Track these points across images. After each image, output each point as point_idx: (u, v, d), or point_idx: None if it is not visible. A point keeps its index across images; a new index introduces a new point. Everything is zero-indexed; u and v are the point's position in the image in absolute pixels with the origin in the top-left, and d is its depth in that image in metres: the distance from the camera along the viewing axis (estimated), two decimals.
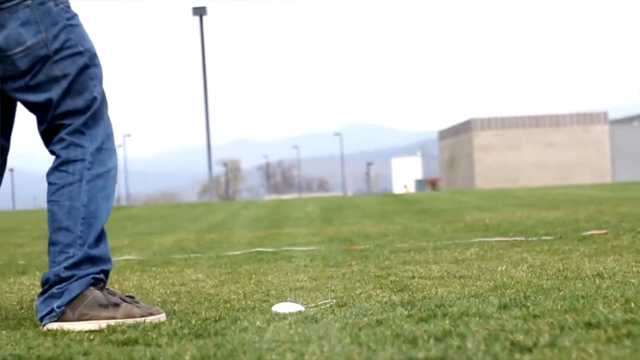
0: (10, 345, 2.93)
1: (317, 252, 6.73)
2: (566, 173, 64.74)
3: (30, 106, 3.40)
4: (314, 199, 30.02)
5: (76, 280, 3.30)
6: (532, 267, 4.68)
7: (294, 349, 2.53)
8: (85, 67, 3.38)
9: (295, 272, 5.18)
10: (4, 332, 3.22)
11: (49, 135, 3.43)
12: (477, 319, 2.90)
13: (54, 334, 3.13)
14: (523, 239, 6.93)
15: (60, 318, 3.27)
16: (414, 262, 5.41)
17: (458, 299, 3.50)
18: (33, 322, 3.44)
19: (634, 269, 4.32)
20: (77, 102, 3.37)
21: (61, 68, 3.33)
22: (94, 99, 3.41)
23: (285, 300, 3.72)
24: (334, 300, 3.67)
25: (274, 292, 4.16)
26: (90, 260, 3.33)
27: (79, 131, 3.38)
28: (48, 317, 3.28)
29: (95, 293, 3.31)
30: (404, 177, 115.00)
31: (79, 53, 3.37)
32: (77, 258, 3.31)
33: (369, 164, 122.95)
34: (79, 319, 3.25)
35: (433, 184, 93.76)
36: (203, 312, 3.50)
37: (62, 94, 3.35)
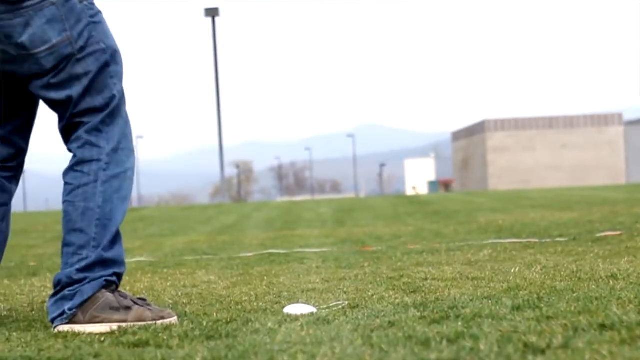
0: (21, 347, 2.93)
1: (330, 254, 6.72)
2: (580, 174, 64.57)
3: (52, 103, 3.38)
4: (327, 201, 30.01)
5: (88, 282, 3.29)
6: (546, 268, 4.66)
7: (305, 350, 2.52)
8: (106, 65, 3.36)
9: (307, 273, 5.17)
10: (14, 333, 3.22)
11: (67, 133, 3.41)
12: (490, 320, 2.89)
13: (64, 335, 3.13)
14: (537, 240, 6.90)
15: (72, 320, 3.26)
16: (427, 263, 5.40)
17: (471, 300, 3.49)
18: (44, 324, 3.43)
19: None
20: (96, 100, 3.35)
21: (83, 66, 3.32)
22: (113, 97, 3.39)
23: (297, 302, 3.71)
24: (346, 302, 3.66)
25: (286, 293, 4.15)
26: (103, 262, 3.31)
27: (96, 129, 3.36)
28: (59, 319, 3.27)
29: (106, 296, 3.29)
30: (417, 178, 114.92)
31: (101, 50, 3.35)
32: (90, 260, 3.29)
33: (382, 165, 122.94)
34: (90, 322, 3.24)
35: (446, 185, 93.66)
36: (214, 314, 3.49)
37: (82, 91, 3.33)
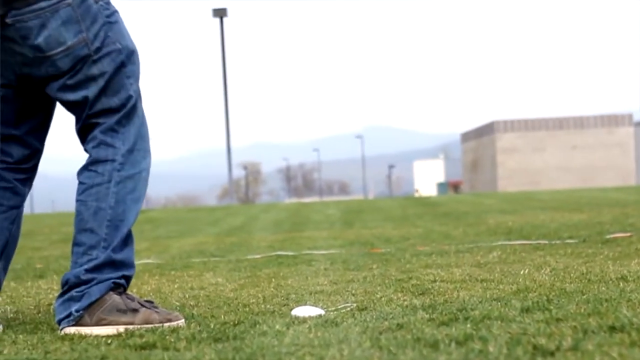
0: (27, 349, 2.92)
1: (338, 256, 6.71)
2: (590, 175, 64.46)
3: (68, 105, 3.38)
4: (335, 202, 30.02)
5: (96, 284, 3.27)
6: (555, 270, 4.64)
7: (313, 352, 2.51)
8: (122, 65, 3.35)
9: (315, 275, 5.16)
10: (21, 336, 3.21)
11: (84, 133, 3.40)
12: (499, 322, 2.87)
13: (71, 338, 3.12)
14: (546, 242, 6.89)
15: (78, 322, 3.25)
16: (436, 265, 5.38)
17: (480, 302, 3.47)
18: (50, 326, 3.43)
19: None
20: (112, 101, 3.34)
21: (99, 67, 3.31)
22: (130, 97, 3.38)
23: (305, 304, 3.70)
24: (354, 304, 3.65)
25: (294, 295, 4.14)
26: (112, 264, 3.30)
27: (112, 129, 3.35)
28: (66, 320, 3.26)
29: (114, 298, 3.28)
30: (426, 180, 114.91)
31: (117, 51, 3.33)
32: (99, 261, 3.28)
33: (391, 166, 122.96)
34: (96, 324, 3.23)
35: (455, 186, 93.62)
36: (222, 316, 3.48)
37: (98, 92, 3.32)
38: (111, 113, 3.35)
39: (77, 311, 3.25)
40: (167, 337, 2.95)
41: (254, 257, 7.12)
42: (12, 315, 3.90)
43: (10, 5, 3.20)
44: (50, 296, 4.68)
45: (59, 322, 3.28)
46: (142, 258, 7.51)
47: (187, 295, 4.42)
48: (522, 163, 66.10)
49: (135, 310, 3.27)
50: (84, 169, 3.37)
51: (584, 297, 3.45)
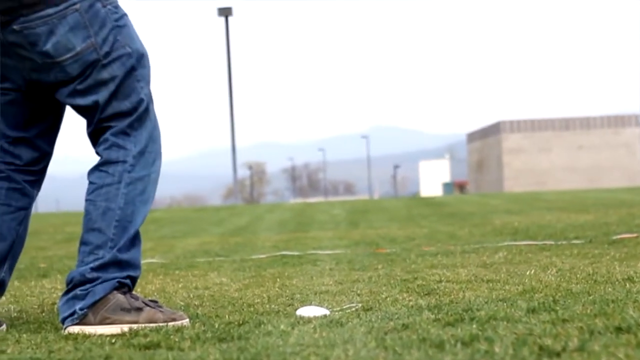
0: (30, 348, 2.91)
1: (343, 256, 6.70)
2: (596, 176, 64.43)
3: (79, 109, 3.39)
4: (340, 202, 30.03)
5: (101, 283, 3.27)
6: (562, 271, 4.63)
7: (318, 352, 2.50)
8: (132, 69, 3.35)
9: (320, 275, 5.16)
10: (24, 335, 3.20)
11: (95, 137, 3.41)
12: (505, 323, 2.86)
13: (75, 337, 3.11)
14: (552, 242, 6.87)
15: (82, 321, 3.24)
16: (441, 265, 5.37)
17: (486, 303, 3.46)
18: (54, 326, 3.42)
19: None
20: (124, 105, 3.35)
21: (109, 71, 3.31)
22: (141, 100, 3.38)
23: (310, 304, 3.69)
24: (360, 304, 3.64)
25: (299, 295, 4.13)
26: (118, 263, 3.30)
27: (124, 133, 3.36)
28: (70, 319, 3.26)
29: (118, 297, 3.28)
30: (432, 180, 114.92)
31: (127, 55, 3.33)
32: (105, 260, 3.28)
33: (396, 167, 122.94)
34: (100, 323, 3.23)
35: (461, 187, 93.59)
36: (227, 316, 3.47)
37: (109, 96, 3.33)
38: (123, 116, 3.35)
39: (81, 309, 3.25)
40: (172, 336, 2.95)
41: (259, 257, 7.12)
42: (15, 314, 3.90)
43: (18, 13, 3.20)
44: (54, 295, 4.67)
45: (63, 320, 3.28)
46: (146, 258, 7.51)
47: (191, 295, 4.41)
48: (528, 163, 66.09)
49: (139, 309, 3.27)
50: (95, 169, 3.38)
51: (590, 298, 3.44)
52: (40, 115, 3.49)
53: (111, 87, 3.32)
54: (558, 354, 2.31)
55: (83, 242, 3.34)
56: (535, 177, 65.28)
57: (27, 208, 3.54)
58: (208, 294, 4.41)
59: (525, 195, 27.20)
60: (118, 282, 3.29)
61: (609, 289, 3.70)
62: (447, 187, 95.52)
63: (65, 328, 3.26)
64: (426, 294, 3.91)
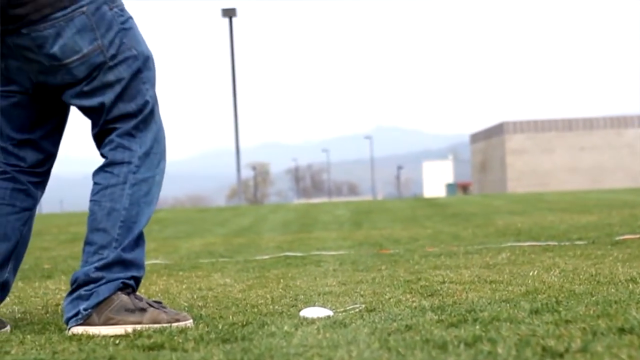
0: (35, 349, 2.92)
1: (347, 257, 6.70)
2: (599, 177, 64.34)
3: (84, 110, 3.40)
4: (344, 203, 30.01)
5: (105, 283, 3.28)
6: (565, 272, 4.63)
7: (322, 354, 2.51)
8: (138, 72, 3.37)
9: (324, 276, 5.16)
10: (28, 336, 3.21)
11: (100, 138, 3.42)
12: (508, 324, 2.87)
13: (79, 338, 3.12)
14: (555, 243, 6.87)
15: (86, 322, 3.25)
16: (445, 266, 5.38)
17: (489, 304, 3.46)
18: (58, 327, 3.43)
19: None
20: (129, 107, 3.36)
21: (116, 73, 3.32)
22: (146, 102, 3.40)
23: (314, 305, 3.69)
24: (363, 305, 3.64)
25: (302, 296, 4.14)
26: (122, 263, 3.31)
27: (129, 134, 3.38)
28: (74, 319, 3.27)
29: (122, 297, 3.29)
30: (435, 181, 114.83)
31: (133, 57, 3.35)
32: (109, 260, 3.29)
33: (400, 167, 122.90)
34: (104, 323, 3.23)
35: (464, 188, 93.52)
36: (230, 317, 3.48)
37: (114, 98, 3.34)
38: (128, 118, 3.37)
39: (85, 310, 3.26)
40: (175, 337, 2.95)
41: (263, 257, 7.12)
42: (19, 315, 3.91)
43: (28, 18, 3.21)
44: (58, 296, 4.68)
45: (67, 320, 3.29)
46: (150, 258, 7.51)
47: (195, 296, 4.42)
48: (531, 164, 66.01)
49: (143, 310, 3.28)
50: (100, 170, 3.39)
51: (593, 298, 3.44)
52: (46, 117, 3.51)
53: (117, 89, 3.34)
54: (561, 355, 2.31)
55: (87, 242, 3.35)
56: (538, 177, 65.20)
57: (31, 209, 3.55)
58: (212, 295, 4.42)
59: (528, 196, 27.18)
60: (122, 282, 3.31)
61: (612, 290, 3.70)
62: (451, 187, 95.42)
63: (69, 328, 3.27)
64: (429, 295, 3.91)
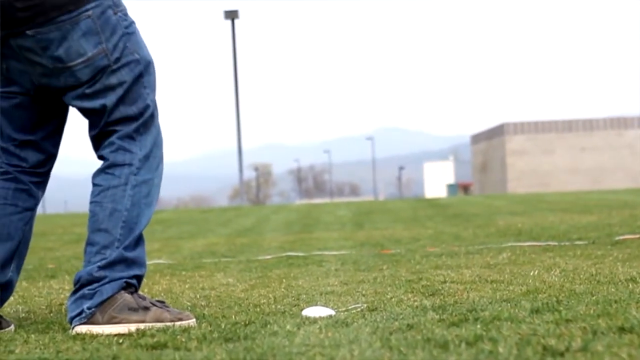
0: (38, 349, 2.93)
1: (348, 257, 6.71)
2: (599, 177, 64.28)
3: (85, 112, 3.42)
4: (345, 204, 30.00)
5: (108, 282, 3.30)
6: (565, 271, 4.64)
7: (324, 353, 2.52)
8: (140, 76, 3.40)
9: (326, 276, 5.17)
10: (32, 335, 3.23)
11: (99, 140, 3.45)
12: (509, 323, 2.88)
13: (82, 337, 3.13)
14: (556, 243, 6.88)
15: (90, 320, 3.27)
16: (446, 266, 5.39)
17: (490, 303, 3.48)
18: (62, 326, 3.44)
19: None
20: (131, 110, 3.39)
21: (118, 77, 3.35)
22: (147, 106, 3.42)
23: (316, 305, 3.71)
24: (365, 305, 3.65)
25: (305, 296, 4.15)
26: (124, 262, 3.33)
27: (130, 137, 3.40)
28: (78, 318, 3.29)
29: (125, 296, 3.31)
30: (436, 181, 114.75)
31: (136, 61, 3.38)
32: (112, 258, 3.31)
33: (401, 168, 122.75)
34: (108, 322, 3.25)
35: (465, 188, 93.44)
36: (233, 316, 3.49)
37: (116, 101, 3.37)
38: (129, 121, 3.40)
39: (88, 309, 3.28)
40: (179, 337, 2.96)
41: (265, 257, 7.13)
42: (23, 314, 3.92)
43: (34, 21, 3.23)
44: (62, 296, 4.69)
45: (71, 320, 3.30)
46: (153, 258, 7.52)
47: (198, 296, 4.43)
48: (531, 165, 65.95)
49: (146, 309, 3.30)
50: (100, 171, 3.41)
51: (594, 298, 3.45)
52: (47, 118, 3.53)
53: (119, 92, 3.36)
54: (561, 354, 2.32)
55: (89, 243, 3.37)
56: (538, 178, 65.14)
57: (33, 209, 3.58)
58: (214, 295, 4.43)
59: (528, 197, 27.15)
60: (125, 282, 3.32)
61: (612, 290, 3.71)
62: (452, 188, 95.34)
63: (73, 327, 3.29)
64: (431, 295, 3.93)
